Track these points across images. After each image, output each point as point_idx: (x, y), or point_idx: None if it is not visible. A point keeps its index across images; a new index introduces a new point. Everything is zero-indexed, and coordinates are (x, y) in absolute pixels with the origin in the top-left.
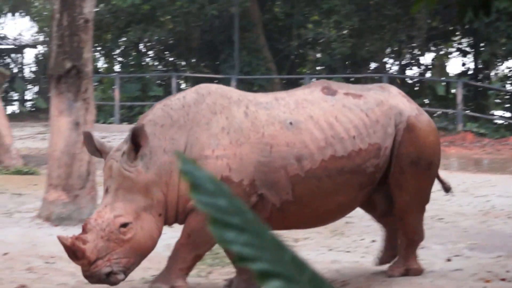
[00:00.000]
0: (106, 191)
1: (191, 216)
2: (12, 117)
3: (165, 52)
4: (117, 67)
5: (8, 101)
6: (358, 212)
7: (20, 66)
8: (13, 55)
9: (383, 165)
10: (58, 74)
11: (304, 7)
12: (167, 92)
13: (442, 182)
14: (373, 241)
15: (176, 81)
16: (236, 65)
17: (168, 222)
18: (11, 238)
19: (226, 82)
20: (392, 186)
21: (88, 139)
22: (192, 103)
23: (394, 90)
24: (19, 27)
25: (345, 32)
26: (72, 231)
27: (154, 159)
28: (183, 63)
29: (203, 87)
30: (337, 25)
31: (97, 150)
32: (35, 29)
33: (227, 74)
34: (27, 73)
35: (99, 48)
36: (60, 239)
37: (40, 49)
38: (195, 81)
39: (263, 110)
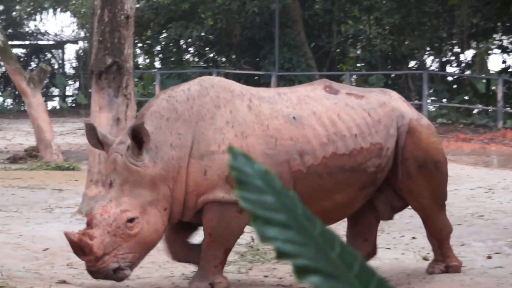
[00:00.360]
0: (110, 185)
1: (206, 216)
2: (53, 112)
3: (206, 49)
4: (157, 63)
5: (48, 97)
6: None
7: (61, 62)
8: (54, 51)
9: (385, 166)
10: (99, 70)
11: (344, 4)
12: None
13: None
14: (414, 238)
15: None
16: (276, 62)
17: (173, 218)
18: (52, 233)
19: (266, 78)
20: (403, 193)
21: (91, 131)
22: (196, 96)
23: (395, 94)
24: (60, 23)
25: (385, 29)
26: None
27: (161, 153)
28: (223, 59)
29: (206, 79)
30: (378, 22)
31: (99, 142)
32: (76, 25)
33: (267, 70)
34: (68, 69)
35: (140, 44)
36: (67, 234)
37: (81, 45)
38: (235, 78)
39: (266, 104)
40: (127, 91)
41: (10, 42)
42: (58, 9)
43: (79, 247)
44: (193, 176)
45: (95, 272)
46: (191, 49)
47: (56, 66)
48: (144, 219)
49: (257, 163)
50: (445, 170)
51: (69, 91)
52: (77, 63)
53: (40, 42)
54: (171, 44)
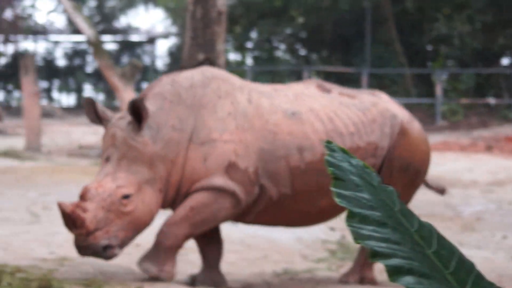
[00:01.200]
0: (107, 160)
1: (199, 192)
2: None
3: (297, 46)
4: (248, 60)
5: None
6: (489, 207)
7: (153, 58)
8: (145, 47)
9: (378, 166)
10: (191, 66)
11: (436, 1)
12: None
13: (432, 187)
14: (504, 237)
15: (307, 74)
16: (367, 59)
17: (165, 203)
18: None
19: (357, 75)
20: None
21: (90, 106)
22: (199, 85)
23: (384, 96)
24: (151, 19)
25: (477, 26)
26: None
27: (162, 134)
28: (315, 56)
29: (208, 70)
30: (470, 19)
31: (97, 118)
32: (168, 21)
33: (358, 67)
34: (159, 65)
35: (231, 41)
36: (61, 205)
37: (173, 41)
38: (326, 75)
39: (265, 99)
40: None
41: (102, 38)
42: (150, 5)
43: (72, 219)
44: (192, 162)
45: (84, 247)
46: (282, 46)
47: (148, 62)
48: (139, 197)
49: (354, 159)
50: (421, 182)
51: None
52: (169, 59)
53: (131, 38)
54: (262, 41)
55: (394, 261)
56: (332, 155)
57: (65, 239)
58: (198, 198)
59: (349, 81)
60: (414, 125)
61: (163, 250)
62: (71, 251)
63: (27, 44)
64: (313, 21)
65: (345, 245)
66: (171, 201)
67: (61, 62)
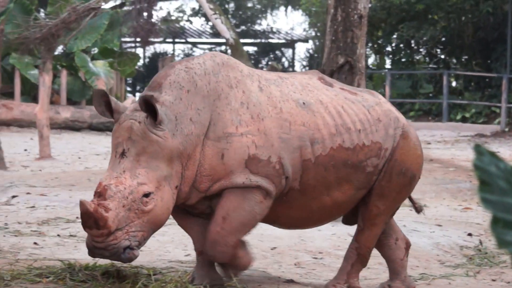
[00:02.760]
0: (123, 154)
1: (225, 199)
2: None
3: (437, 49)
4: (387, 64)
5: None
6: None
7: (291, 60)
8: (284, 50)
9: (380, 168)
10: (330, 70)
11: None
12: (438, 90)
13: (413, 202)
14: None
15: (447, 78)
16: (507, 64)
17: (178, 199)
18: (279, 232)
19: (497, 80)
20: (374, 193)
21: (99, 97)
22: (211, 72)
23: (382, 98)
24: (291, 21)
25: None
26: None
27: (181, 127)
28: (454, 60)
29: (217, 55)
30: None
31: (108, 110)
32: (307, 23)
33: (499, 72)
34: (297, 67)
35: (370, 44)
36: (83, 203)
37: (311, 43)
38: (466, 79)
39: (274, 86)
40: None
41: (242, 40)
42: (290, 7)
43: (94, 218)
44: (209, 159)
45: (102, 248)
46: (422, 50)
47: (286, 65)
48: (159, 195)
49: (502, 162)
50: (412, 189)
51: None
52: (307, 62)
53: (271, 40)
54: (402, 45)
55: None
56: (480, 159)
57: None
58: (225, 206)
59: (489, 86)
60: (412, 130)
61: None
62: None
63: (166, 46)
64: (454, 23)
65: (482, 251)
66: (185, 197)
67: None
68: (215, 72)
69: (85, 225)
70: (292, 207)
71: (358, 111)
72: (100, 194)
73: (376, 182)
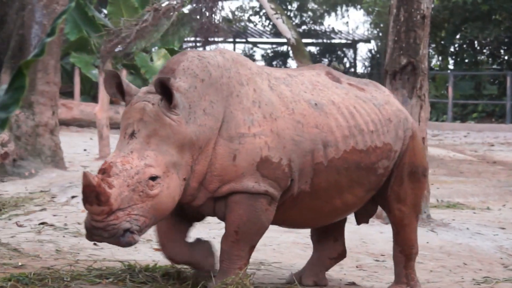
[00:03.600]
0: (132, 135)
1: (234, 210)
2: None
3: (500, 50)
4: (450, 65)
5: None
6: None
7: (353, 61)
8: (346, 50)
9: (390, 170)
10: (393, 70)
11: None
12: (502, 91)
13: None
14: None
15: (511, 79)
16: None
17: (184, 196)
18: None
19: None
20: (391, 199)
21: (111, 79)
22: (223, 66)
23: (387, 90)
24: (352, 22)
25: None
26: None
27: (194, 116)
28: None
29: (225, 51)
30: None
31: (119, 92)
32: (369, 24)
33: None
34: (359, 68)
35: (433, 45)
36: (86, 175)
37: (374, 44)
38: None
39: (284, 86)
40: (421, 92)
41: (303, 40)
42: (351, 8)
43: (96, 192)
44: (221, 159)
45: (101, 229)
46: (485, 51)
47: (347, 66)
48: (166, 181)
49: None
50: (427, 178)
51: None
52: (368, 62)
53: (332, 41)
54: (465, 45)
55: None
56: None
57: (262, 243)
58: (237, 219)
59: None
60: (416, 125)
61: (232, 273)
62: (267, 255)
63: (227, 46)
64: None
65: None
66: (192, 194)
67: (259, 64)
68: (227, 68)
69: (86, 200)
70: (303, 209)
71: (370, 111)
72: (104, 171)
73: (389, 189)
